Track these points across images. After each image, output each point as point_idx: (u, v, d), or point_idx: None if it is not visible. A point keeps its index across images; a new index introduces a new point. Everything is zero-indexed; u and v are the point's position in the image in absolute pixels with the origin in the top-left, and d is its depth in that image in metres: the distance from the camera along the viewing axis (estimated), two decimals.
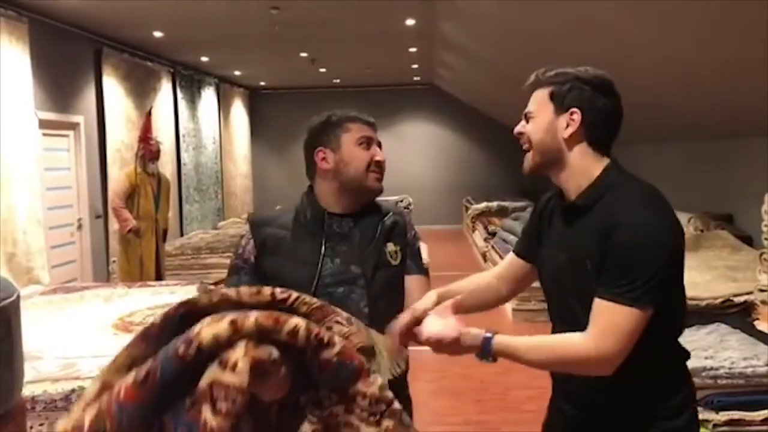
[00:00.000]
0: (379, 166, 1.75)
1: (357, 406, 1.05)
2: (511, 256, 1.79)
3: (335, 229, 1.73)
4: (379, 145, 1.79)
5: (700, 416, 2.65)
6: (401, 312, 1.74)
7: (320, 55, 9.47)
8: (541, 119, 1.55)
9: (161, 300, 3.95)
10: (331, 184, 1.73)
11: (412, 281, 1.81)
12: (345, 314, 1.40)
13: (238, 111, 12.92)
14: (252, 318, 1.03)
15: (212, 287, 4.08)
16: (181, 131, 9.76)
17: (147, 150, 5.81)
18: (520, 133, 1.60)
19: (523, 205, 9.75)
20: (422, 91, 13.41)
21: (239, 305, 1.25)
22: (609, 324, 1.40)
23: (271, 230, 1.73)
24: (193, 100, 10.29)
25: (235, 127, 12.66)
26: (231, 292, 1.23)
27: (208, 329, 0.96)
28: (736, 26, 3.23)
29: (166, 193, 6.11)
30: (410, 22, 7.24)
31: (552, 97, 1.54)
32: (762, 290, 3.35)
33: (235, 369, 0.92)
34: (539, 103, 1.56)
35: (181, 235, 9.11)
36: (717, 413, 2.63)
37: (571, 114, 1.51)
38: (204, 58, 9.62)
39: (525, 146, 1.59)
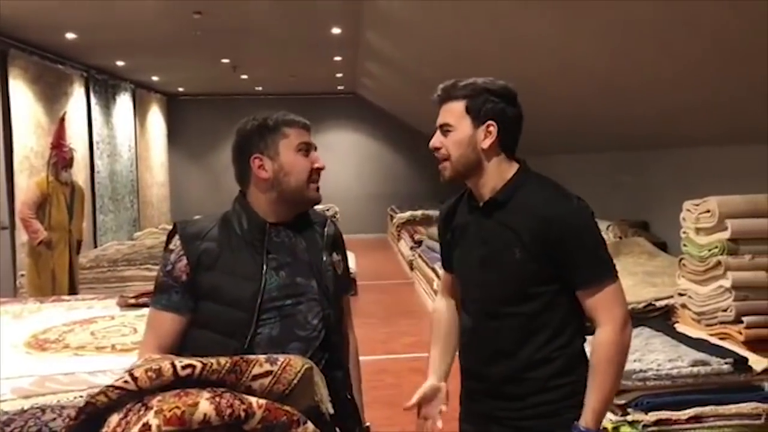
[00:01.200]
0: (318, 174, 1.67)
1: None
2: (445, 273, 1.87)
3: (275, 239, 1.62)
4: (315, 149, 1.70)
5: (631, 417, 2.73)
6: (345, 321, 1.76)
7: (243, 62, 9.30)
8: (460, 132, 1.61)
9: (78, 315, 3.72)
10: (269, 194, 1.63)
11: (345, 301, 1.79)
12: (263, 357, 1.33)
13: (155, 117, 12.50)
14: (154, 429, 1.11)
15: (133, 300, 3.88)
16: (95, 138, 9.35)
17: (60, 157, 5.51)
18: (437, 147, 1.65)
19: None
20: (346, 100, 13.41)
21: (139, 393, 1.18)
22: (608, 304, 1.55)
23: (205, 245, 1.59)
24: (107, 106, 9.88)
25: (152, 135, 12.24)
26: (129, 381, 1.22)
27: None
28: (654, 43, 3.38)
29: (80, 202, 5.83)
30: (336, 30, 7.22)
31: (468, 110, 1.60)
32: (681, 294, 3.50)
33: None
34: (456, 116, 1.61)
35: (95, 246, 8.70)
36: (646, 414, 2.71)
37: (488, 126, 1.60)
38: (120, 63, 9.25)
39: (442, 158, 1.64)
